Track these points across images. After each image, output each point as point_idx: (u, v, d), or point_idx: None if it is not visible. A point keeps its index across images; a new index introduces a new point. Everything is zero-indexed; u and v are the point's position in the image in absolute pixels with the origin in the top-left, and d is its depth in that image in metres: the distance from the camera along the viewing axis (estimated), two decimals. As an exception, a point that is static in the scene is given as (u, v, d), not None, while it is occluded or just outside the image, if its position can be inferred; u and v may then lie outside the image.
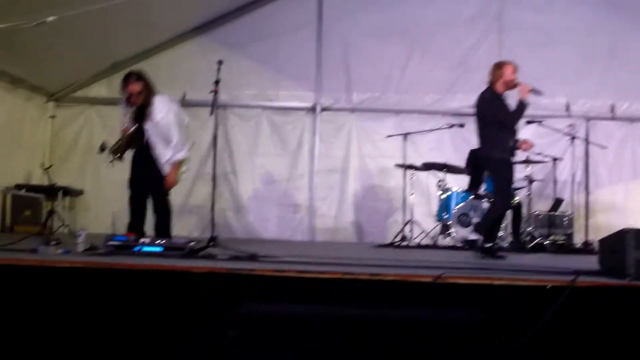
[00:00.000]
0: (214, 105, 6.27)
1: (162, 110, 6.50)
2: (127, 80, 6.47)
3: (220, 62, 6.26)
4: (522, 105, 6.74)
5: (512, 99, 6.87)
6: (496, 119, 6.74)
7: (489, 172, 6.90)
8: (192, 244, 5.19)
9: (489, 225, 6.77)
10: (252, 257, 5.11)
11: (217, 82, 6.25)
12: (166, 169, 6.50)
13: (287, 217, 10.77)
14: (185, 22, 10.69)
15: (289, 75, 10.92)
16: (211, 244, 5.58)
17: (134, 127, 6.48)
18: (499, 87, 6.82)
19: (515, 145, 7.01)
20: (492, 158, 6.78)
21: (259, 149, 10.86)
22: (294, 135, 10.91)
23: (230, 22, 10.95)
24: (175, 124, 6.52)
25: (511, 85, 6.83)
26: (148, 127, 6.49)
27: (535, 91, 6.87)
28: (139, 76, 6.51)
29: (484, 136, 6.84)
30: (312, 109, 10.88)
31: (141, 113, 6.51)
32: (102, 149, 6.46)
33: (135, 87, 6.44)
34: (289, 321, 3.88)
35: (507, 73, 6.82)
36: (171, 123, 6.49)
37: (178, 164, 6.58)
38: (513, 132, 6.92)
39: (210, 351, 3.86)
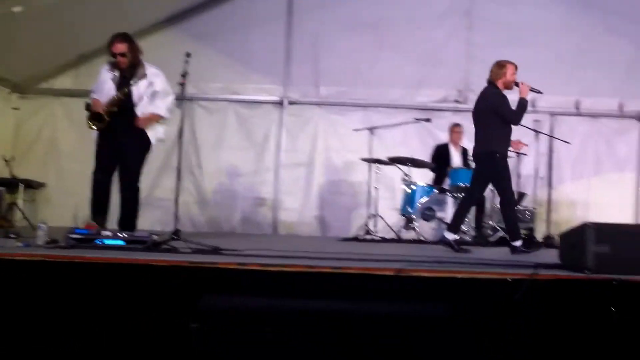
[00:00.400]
0: (181, 98, 6.24)
1: (154, 72, 6.58)
2: (112, 41, 6.45)
3: (188, 55, 6.22)
4: (523, 104, 6.84)
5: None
6: (505, 115, 6.84)
7: (488, 167, 6.93)
8: (154, 237, 5.16)
9: (514, 223, 6.92)
10: (215, 250, 5.10)
11: (184, 75, 6.21)
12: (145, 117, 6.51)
13: (252, 211, 10.73)
14: (154, 14, 10.56)
15: (257, 69, 10.86)
16: (174, 237, 5.54)
17: (121, 91, 6.45)
18: (499, 85, 6.94)
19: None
20: (497, 153, 6.85)
21: (225, 143, 10.79)
22: (260, 129, 10.86)
23: (200, 14, 10.85)
24: (166, 85, 6.62)
25: (511, 85, 6.95)
26: (134, 88, 6.47)
27: (534, 90, 6.98)
28: (125, 37, 6.50)
29: (490, 132, 6.91)
30: (280, 103, 10.84)
31: (127, 77, 6.51)
32: (88, 109, 6.43)
33: (120, 47, 6.42)
34: (252, 314, 3.88)
35: (508, 73, 6.95)
36: (163, 83, 6.58)
37: (157, 117, 6.58)
38: (511, 130, 7.01)
39: (172, 344, 3.85)
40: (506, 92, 6.96)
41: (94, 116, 6.39)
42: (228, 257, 4.71)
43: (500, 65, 6.98)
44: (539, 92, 7.02)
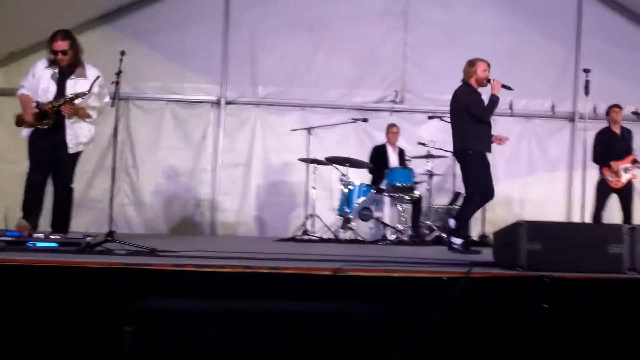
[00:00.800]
0: (115, 97, 6.14)
1: (94, 73, 6.44)
2: (53, 38, 6.34)
3: (122, 53, 6.11)
4: (494, 100, 6.94)
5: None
6: (473, 112, 6.94)
7: (464, 165, 7.02)
8: (88, 239, 5.07)
9: (464, 221, 7.05)
10: (151, 252, 5.03)
11: (118, 73, 6.10)
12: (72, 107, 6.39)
13: (189, 212, 10.63)
14: (88, 11, 10.34)
15: (194, 68, 10.79)
16: (108, 239, 5.44)
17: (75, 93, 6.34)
18: (472, 83, 7.04)
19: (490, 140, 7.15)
20: (470, 150, 6.95)
21: (162, 143, 10.65)
22: (197, 129, 10.77)
23: (136, 11, 10.70)
24: (104, 88, 6.54)
25: (483, 82, 7.03)
26: (71, 85, 6.38)
27: (505, 87, 7.04)
28: (67, 34, 6.40)
29: (463, 130, 7.00)
30: (217, 103, 10.77)
31: (66, 74, 6.40)
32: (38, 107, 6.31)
33: (62, 44, 6.31)
34: (188, 316, 3.83)
35: (479, 70, 7.03)
36: (101, 85, 6.47)
37: (84, 113, 6.46)
38: (489, 127, 7.08)
39: (105, 348, 3.78)
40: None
41: (40, 115, 6.27)
42: (164, 258, 4.65)
43: (470, 64, 7.09)
44: (509, 88, 7.07)
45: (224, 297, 3.94)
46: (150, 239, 6.95)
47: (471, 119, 6.95)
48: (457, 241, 6.79)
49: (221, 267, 4.07)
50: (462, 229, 6.97)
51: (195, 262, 4.18)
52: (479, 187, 6.95)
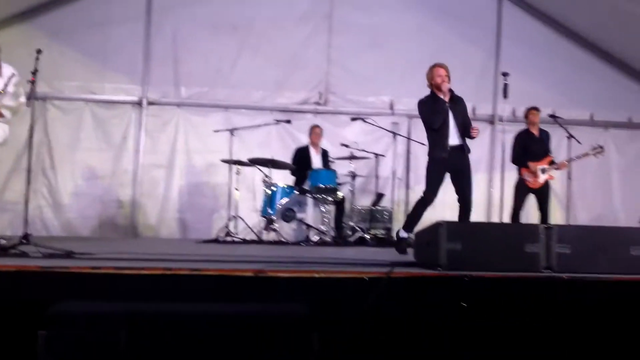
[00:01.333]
0: (31, 97, 5.96)
1: (10, 72, 6.26)
2: None
3: (39, 51, 5.95)
4: (439, 106, 7.02)
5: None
6: (425, 121, 7.13)
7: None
8: (2, 241, 4.92)
9: (411, 218, 7.17)
10: (68, 255, 4.91)
11: (34, 72, 5.94)
12: None
13: (110, 214, 10.42)
14: (6, 9, 10.07)
15: (115, 68, 10.60)
16: (24, 241, 5.29)
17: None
18: (433, 89, 7.13)
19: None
20: (428, 156, 7.13)
21: (81, 144, 10.41)
22: (118, 130, 10.57)
23: (56, 9, 10.45)
24: (20, 88, 6.33)
25: (437, 86, 7.07)
26: None
27: (451, 91, 7.07)
28: None
29: (427, 137, 7.16)
30: (139, 103, 10.60)
31: None
32: None
33: None
34: (106, 319, 3.75)
35: (435, 75, 7.10)
36: (16, 85, 6.29)
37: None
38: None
39: (20, 353, 3.67)
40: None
41: None
42: (81, 261, 4.55)
43: (429, 69, 7.19)
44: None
45: (143, 300, 3.88)
46: (69, 242, 6.79)
47: (427, 127, 7.13)
48: (403, 233, 6.98)
49: (141, 269, 4.00)
50: (408, 224, 7.10)
51: (114, 265, 4.10)
52: (427, 189, 7.08)
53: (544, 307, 4.24)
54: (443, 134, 7.03)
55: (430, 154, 7.09)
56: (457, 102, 7.11)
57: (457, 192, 7.13)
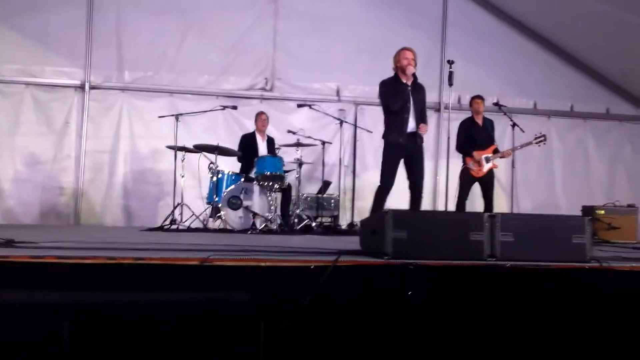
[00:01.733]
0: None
1: None
2: None
3: (-27, 33, 5.81)
4: (401, 88, 7.08)
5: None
6: (382, 102, 7.19)
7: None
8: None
9: (375, 206, 7.07)
10: (8, 243, 4.79)
11: (-31, 55, 5.79)
12: None
13: (52, 201, 10.22)
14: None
15: (56, 51, 10.38)
16: (-39, 229, 5.16)
17: None
18: (398, 72, 7.17)
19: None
20: (384, 139, 7.16)
21: (21, 128, 10.18)
22: (60, 114, 10.36)
23: (-5, -9, 10.18)
24: None
25: (402, 69, 7.11)
26: None
27: (414, 75, 7.12)
28: None
29: (384, 120, 7.20)
30: (81, 87, 10.41)
31: None
32: None
33: None
34: (48, 309, 3.69)
35: (400, 58, 7.16)
36: None
37: None
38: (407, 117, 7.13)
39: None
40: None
41: None
42: (22, 249, 4.43)
43: (397, 52, 7.24)
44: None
45: (86, 289, 3.82)
46: (10, 230, 6.64)
47: (386, 109, 7.15)
48: None
49: (83, 258, 3.93)
50: (373, 211, 7.07)
51: (56, 254, 4.01)
52: (383, 176, 7.11)
53: (488, 295, 4.29)
54: (402, 118, 7.09)
55: (385, 137, 7.11)
56: (418, 90, 7.20)
57: (409, 179, 7.17)
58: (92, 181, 10.35)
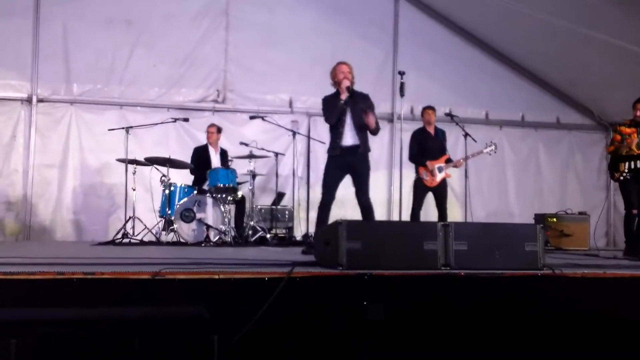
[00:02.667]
0: None
1: None
2: None
3: None
4: (337, 102, 7.00)
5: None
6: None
7: None
8: None
9: (318, 222, 6.96)
10: (-48, 260, 4.68)
11: None
12: None
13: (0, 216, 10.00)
14: None
15: (1, 63, 10.16)
16: None
17: None
18: (336, 86, 7.08)
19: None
20: (327, 155, 7.12)
21: (-34, 142, 9.96)
22: (7, 128, 10.15)
23: (-64, 2, 9.94)
24: None
25: (339, 83, 7.02)
26: None
27: (349, 89, 6.98)
28: None
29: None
30: (28, 100, 10.21)
31: None
32: None
33: None
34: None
35: (337, 72, 7.09)
36: None
37: None
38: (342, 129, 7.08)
39: None
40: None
41: None
42: (-33, 266, 4.32)
43: (333, 67, 7.18)
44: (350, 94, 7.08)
45: (35, 306, 3.73)
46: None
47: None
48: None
49: (32, 274, 3.84)
50: (318, 226, 6.98)
51: (3, 270, 3.91)
52: (323, 189, 7.07)
53: (443, 304, 4.30)
54: (338, 132, 7.05)
55: (328, 151, 7.12)
56: (357, 101, 7.05)
57: (355, 194, 7.14)
58: (41, 196, 10.15)
